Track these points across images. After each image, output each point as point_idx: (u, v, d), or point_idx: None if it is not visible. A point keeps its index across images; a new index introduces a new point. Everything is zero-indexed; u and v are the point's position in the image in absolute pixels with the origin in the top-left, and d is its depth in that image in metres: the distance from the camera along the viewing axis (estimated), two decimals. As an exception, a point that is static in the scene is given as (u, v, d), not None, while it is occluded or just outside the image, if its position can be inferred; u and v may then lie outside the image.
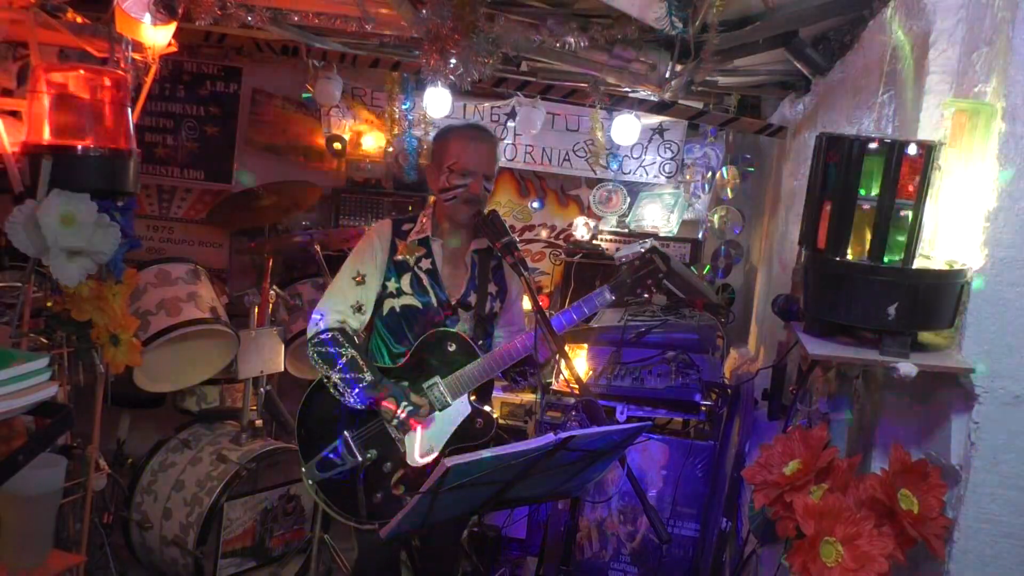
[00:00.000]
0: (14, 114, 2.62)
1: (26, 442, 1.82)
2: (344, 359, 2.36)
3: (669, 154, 4.43)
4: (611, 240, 4.37)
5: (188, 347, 3.21)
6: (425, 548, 2.79)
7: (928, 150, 1.47)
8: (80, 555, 2.54)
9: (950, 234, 1.57)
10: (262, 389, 3.47)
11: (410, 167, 4.59)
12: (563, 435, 1.62)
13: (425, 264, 2.50)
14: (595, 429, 1.81)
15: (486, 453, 1.58)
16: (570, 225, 4.66)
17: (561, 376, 3.16)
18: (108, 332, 2.51)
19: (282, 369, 3.47)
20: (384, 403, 2.33)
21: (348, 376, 2.35)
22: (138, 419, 3.61)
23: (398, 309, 2.48)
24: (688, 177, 4.47)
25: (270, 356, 3.41)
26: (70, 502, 2.58)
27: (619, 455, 1.96)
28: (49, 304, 2.48)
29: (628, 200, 4.54)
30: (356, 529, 2.42)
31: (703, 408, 3.02)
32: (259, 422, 3.44)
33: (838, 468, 1.59)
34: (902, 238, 1.49)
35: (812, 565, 1.48)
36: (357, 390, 2.34)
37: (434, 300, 2.49)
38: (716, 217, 4.22)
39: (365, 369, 2.36)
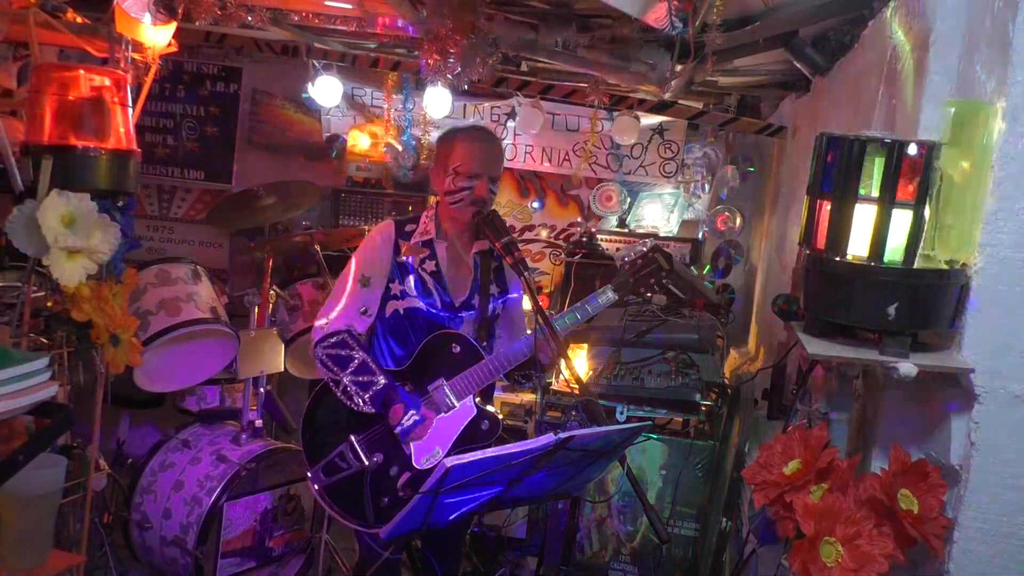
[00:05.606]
0: (14, 114, 2.62)
1: (26, 442, 1.81)
2: (355, 362, 2.33)
3: (669, 154, 4.42)
4: (611, 240, 4.37)
5: (188, 347, 3.21)
6: (426, 549, 2.78)
7: (928, 150, 1.47)
8: (80, 555, 2.53)
9: (950, 234, 1.57)
10: (262, 389, 3.47)
11: (410, 167, 4.59)
12: (563, 435, 1.62)
13: (429, 266, 2.48)
14: (595, 429, 1.81)
15: (486, 453, 1.58)
16: (571, 225, 4.66)
17: (561, 376, 3.16)
18: (108, 332, 2.50)
19: (282, 369, 3.47)
20: (394, 408, 2.31)
21: (360, 379, 2.32)
22: (138, 419, 3.61)
23: (402, 311, 2.46)
24: (688, 177, 4.47)
25: (270, 356, 3.40)
26: (70, 502, 2.57)
27: (619, 455, 1.95)
28: (49, 304, 2.47)
29: (628, 200, 4.54)
30: (357, 531, 2.42)
31: (703, 408, 3.02)
32: (259, 422, 3.44)
33: (838, 468, 1.59)
34: (902, 238, 1.49)
35: (812, 565, 1.48)
36: (370, 394, 2.31)
37: (438, 302, 2.47)
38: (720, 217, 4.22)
39: (378, 373, 2.33)
